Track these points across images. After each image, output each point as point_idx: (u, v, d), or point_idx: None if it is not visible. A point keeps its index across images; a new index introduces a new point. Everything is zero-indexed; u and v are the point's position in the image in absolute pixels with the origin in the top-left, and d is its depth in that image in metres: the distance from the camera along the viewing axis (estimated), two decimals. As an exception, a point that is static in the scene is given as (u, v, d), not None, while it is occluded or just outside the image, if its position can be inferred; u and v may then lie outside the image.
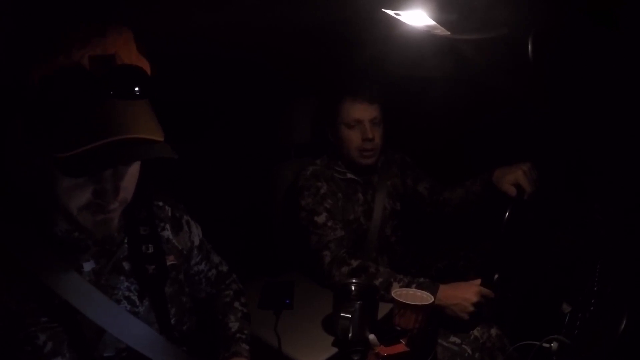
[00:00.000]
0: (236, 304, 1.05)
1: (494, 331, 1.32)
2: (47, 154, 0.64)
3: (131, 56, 0.68)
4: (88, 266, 0.78)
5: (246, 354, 0.94)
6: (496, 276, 1.30)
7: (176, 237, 0.94)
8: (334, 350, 1.11)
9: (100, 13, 0.69)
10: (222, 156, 1.74)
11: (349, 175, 1.55)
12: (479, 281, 1.30)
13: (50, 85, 0.62)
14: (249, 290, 1.14)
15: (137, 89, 0.66)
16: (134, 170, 0.76)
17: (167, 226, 0.93)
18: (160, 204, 0.93)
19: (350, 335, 1.10)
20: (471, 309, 1.26)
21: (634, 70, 1.06)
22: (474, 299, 1.26)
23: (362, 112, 1.48)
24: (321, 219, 1.41)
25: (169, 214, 0.94)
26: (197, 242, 1.00)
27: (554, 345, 0.94)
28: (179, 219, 0.96)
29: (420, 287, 1.27)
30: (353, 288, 1.23)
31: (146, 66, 0.71)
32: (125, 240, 0.84)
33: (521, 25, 1.13)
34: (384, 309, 1.23)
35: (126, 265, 0.83)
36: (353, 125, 1.49)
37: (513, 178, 1.33)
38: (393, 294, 1.19)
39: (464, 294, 1.27)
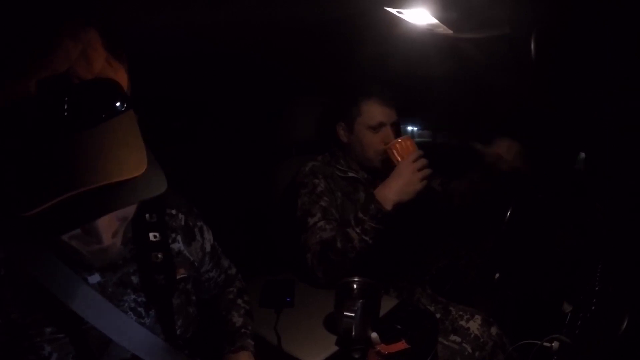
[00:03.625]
0: (239, 301, 1.05)
1: (494, 330, 1.32)
2: (7, 210, 0.52)
3: (94, 65, 0.54)
4: (93, 279, 0.75)
5: (251, 349, 0.94)
6: (497, 275, 1.30)
7: (188, 248, 0.89)
8: (335, 348, 1.11)
9: (103, 11, 0.63)
10: (224, 155, 1.74)
11: (350, 174, 1.54)
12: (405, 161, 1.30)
13: None
14: (249, 288, 1.14)
15: (102, 110, 0.53)
16: None
17: (179, 237, 0.88)
18: (174, 212, 0.88)
19: (353, 334, 1.10)
20: (418, 175, 1.26)
21: (635, 69, 1.06)
22: (410, 168, 1.27)
23: (387, 115, 1.45)
24: (313, 220, 1.39)
25: (182, 223, 0.89)
26: (208, 249, 0.97)
27: (554, 344, 0.94)
28: (192, 227, 0.91)
29: (363, 207, 1.29)
30: (355, 286, 1.23)
31: (118, 70, 0.57)
32: (134, 254, 0.80)
33: (523, 24, 1.12)
34: (385, 306, 1.23)
35: (135, 279, 0.80)
36: (376, 128, 1.45)
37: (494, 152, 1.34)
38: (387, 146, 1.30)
39: (398, 177, 1.28)
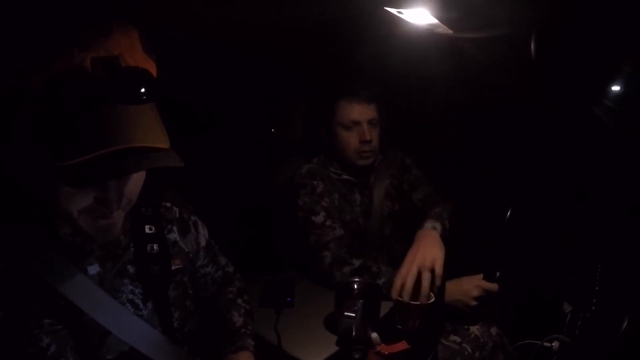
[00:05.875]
0: (239, 301, 1.06)
1: (494, 330, 1.32)
2: (47, 160, 0.61)
3: (136, 57, 0.64)
4: (93, 270, 0.77)
5: (252, 349, 0.95)
6: (497, 274, 1.30)
7: (183, 240, 0.93)
8: (335, 348, 1.11)
9: (102, 10, 0.68)
10: (224, 154, 1.74)
11: (345, 176, 1.54)
12: (481, 275, 1.30)
13: (49, 89, 0.59)
14: (249, 288, 1.15)
15: (142, 93, 0.63)
16: (139, 175, 0.74)
17: (175, 228, 0.92)
18: (168, 204, 0.92)
19: (353, 334, 1.10)
20: (473, 303, 1.26)
21: (636, 68, 1.06)
22: (475, 292, 1.26)
23: (359, 113, 1.44)
24: (319, 218, 1.40)
25: (177, 215, 0.93)
26: (203, 243, 1.00)
27: (554, 344, 0.94)
28: (187, 220, 0.95)
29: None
30: (355, 286, 1.23)
31: (152, 67, 0.68)
32: (131, 244, 0.83)
33: (524, 24, 1.12)
34: (385, 307, 1.23)
35: (131, 269, 0.82)
36: (350, 127, 1.45)
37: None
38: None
39: (465, 289, 1.27)
